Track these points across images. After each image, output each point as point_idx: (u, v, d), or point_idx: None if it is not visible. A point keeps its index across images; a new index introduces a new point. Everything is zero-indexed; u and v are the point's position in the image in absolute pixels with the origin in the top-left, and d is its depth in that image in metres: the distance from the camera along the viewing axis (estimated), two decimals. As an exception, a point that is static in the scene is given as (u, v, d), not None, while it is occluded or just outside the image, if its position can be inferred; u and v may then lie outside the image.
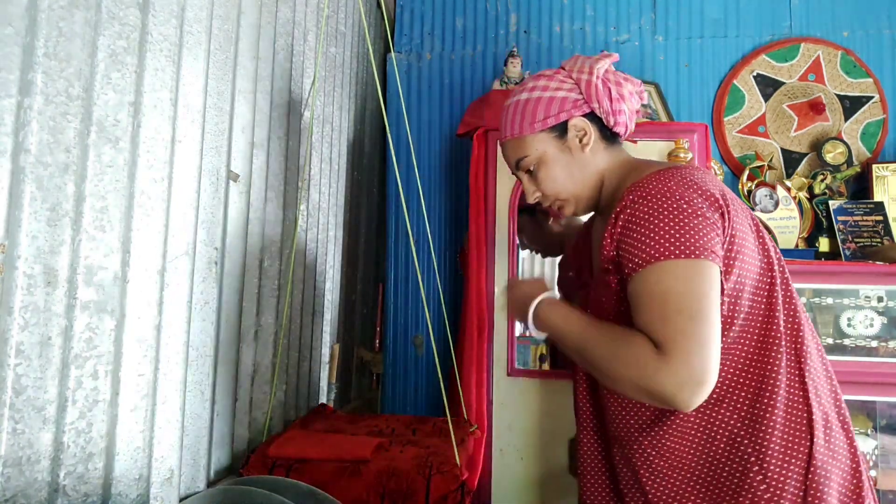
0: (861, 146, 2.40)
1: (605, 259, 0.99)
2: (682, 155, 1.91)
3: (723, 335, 0.92)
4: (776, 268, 0.99)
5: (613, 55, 1.11)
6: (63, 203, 0.79)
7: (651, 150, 1.97)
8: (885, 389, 1.91)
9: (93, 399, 0.84)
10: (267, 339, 1.44)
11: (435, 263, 2.38)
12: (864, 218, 2.15)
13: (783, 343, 0.96)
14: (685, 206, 0.90)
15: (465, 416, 1.74)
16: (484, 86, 2.58)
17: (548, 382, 1.92)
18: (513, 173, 1.15)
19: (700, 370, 0.84)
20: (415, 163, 2.18)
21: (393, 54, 2.63)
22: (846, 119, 2.42)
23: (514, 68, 2.29)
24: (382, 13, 2.56)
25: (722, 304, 0.92)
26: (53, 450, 0.79)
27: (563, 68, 1.13)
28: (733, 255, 0.93)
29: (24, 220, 0.74)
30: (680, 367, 0.84)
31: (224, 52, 1.20)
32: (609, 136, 1.10)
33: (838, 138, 2.36)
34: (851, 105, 2.43)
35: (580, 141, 1.07)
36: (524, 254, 2.09)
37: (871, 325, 1.96)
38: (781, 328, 0.97)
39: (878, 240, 2.10)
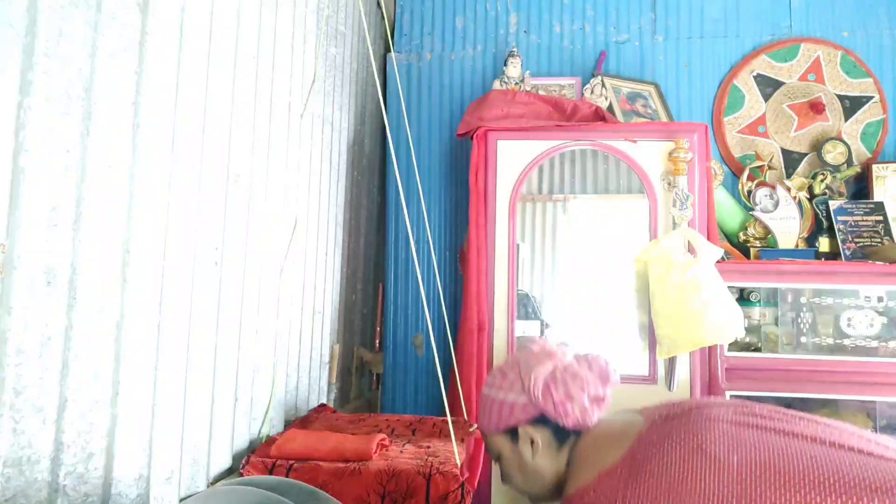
0: (861, 146, 2.40)
1: None
2: (681, 155, 1.91)
3: None
4: None
5: (554, 353, 1.11)
6: (63, 203, 0.79)
7: (651, 150, 1.97)
8: (885, 389, 1.90)
9: (93, 399, 0.84)
10: (267, 339, 1.44)
11: (435, 263, 2.38)
12: (864, 218, 2.15)
13: None
14: None
15: (465, 416, 1.74)
16: (484, 86, 2.58)
17: (548, 382, 1.92)
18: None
19: None
20: (415, 163, 2.18)
21: (393, 54, 2.63)
22: (846, 119, 2.42)
23: (514, 68, 2.29)
24: (382, 13, 2.56)
25: None
26: (53, 450, 0.79)
27: (519, 361, 1.13)
28: None
29: (24, 220, 0.74)
30: None
31: (224, 52, 1.20)
32: (563, 435, 1.09)
33: (838, 138, 2.36)
34: (851, 105, 2.43)
35: (530, 447, 1.09)
36: (524, 254, 2.09)
37: (871, 325, 1.96)
38: None
39: (878, 240, 2.10)
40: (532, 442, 1.08)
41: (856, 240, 2.11)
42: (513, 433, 1.10)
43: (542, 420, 1.08)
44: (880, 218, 2.14)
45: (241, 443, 1.33)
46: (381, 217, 2.67)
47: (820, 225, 2.23)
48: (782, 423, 0.92)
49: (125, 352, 0.89)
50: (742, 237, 2.27)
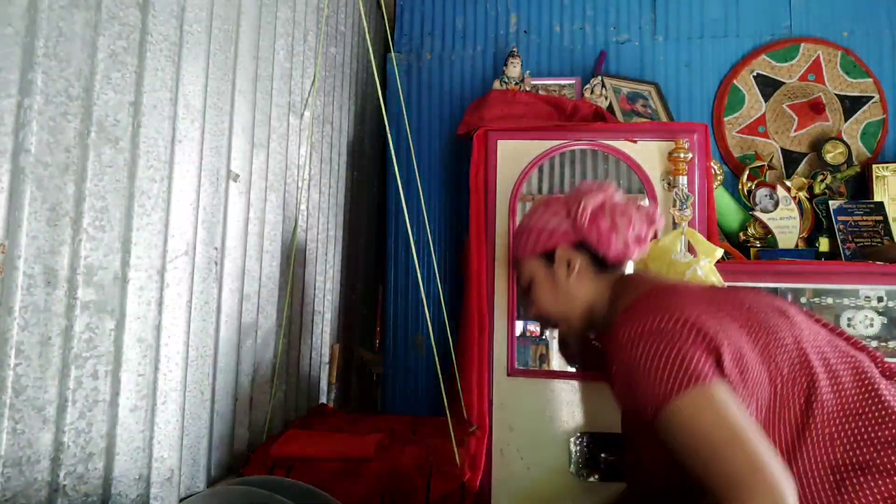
0: (861, 146, 2.40)
1: (621, 399, 1.01)
2: (681, 155, 1.91)
3: None
4: (786, 368, 0.93)
5: (609, 186, 1.14)
6: (63, 203, 0.79)
7: (651, 150, 1.97)
8: (885, 389, 1.90)
9: (93, 399, 0.84)
10: (267, 339, 1.44)
11: (435, 263, 2.38)
12: (864, 218, 2.15)
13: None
14: (664, 341, 0.88)
15: (466, 416, 1.74)
16: (484, 86, 2.57)
17: (548, 382, 1.92)
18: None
19: (769, 494, 0.78)
20: (415, 163, 2.18)
21: (393, 54, 2.63)
22: (846, 119, 2.42)
23: (514, 68, 2.29)
24: (382, 13, 2.56)
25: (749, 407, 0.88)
26: (53, 450, 0.79)
27: (568, 194, 1.17)
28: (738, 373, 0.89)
29: (24, 220, 0.74)
30: (758, 501, 0.77)
31: (224, 52, 1.19)
32: (601, 264, 1.12)
33: (838, 138, 2.36)
34: (851, 105, 2.43)
35: (566, 269, 1.12)
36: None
37: (871, 325, 1.96)
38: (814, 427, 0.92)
39: (878, 240, 2.10)
40: (569, 263, 1.12)
41: (856, 240, 2.11)
42: (549, 256, 1.14)
43: (581, 246, 1.12)
44: (880, 218, 2.14)
45: (241, 443, 1.32)
46: (381, 217, 2.67)
47: (820, 225, 2.23)
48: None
49: (125, 352, 0.89)
50: (742, 237, 2.27)
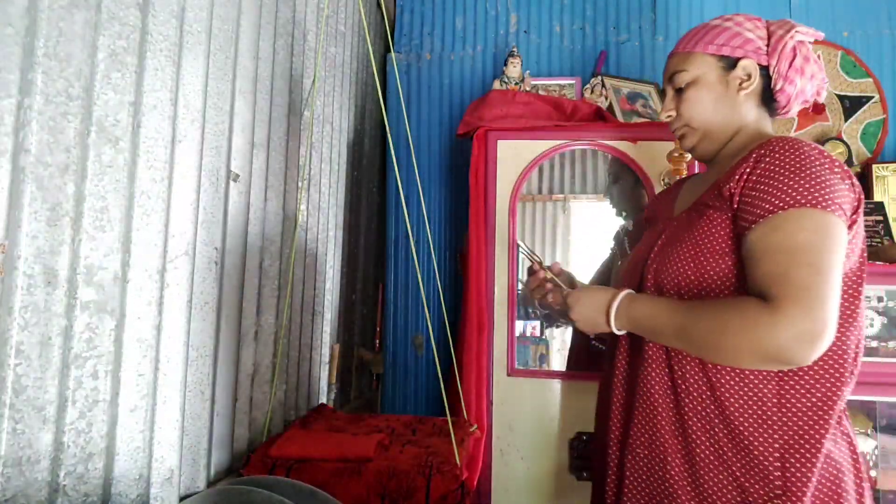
0: (861, 146, 2.40)
1: (713, 196, 0.99)
2: (682, 155, 1.91)
3: None
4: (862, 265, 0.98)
5: (819, 33, 1.08)
6: (63, 203, 0.79)
7: (651, 150, 1.97)
8: (885, 389, 1.90)
9: (93, 399, 0.84)
10: (267, 339, 1.44)
11: (435, 263, 2.38)
12: (865, 218, 2.15)
13: (854, 332, 0.95)
14: (823, 161, 0.91)
15: (465, 416, 1.74)
16: (484, 86, 2.57)
17: (548, 382, 1.92)
18: (661, 89, 1.16)
19: (820, 322, 0.83)
20: (415, 163, 2.18)
21: (393, 54, 2.63)
22: (846, 119, 2.42)
23: (514, 68, 2.29)
24: (382, 13, 2.56)
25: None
26: (53, 450, 0.79)
27: (770, 21, 1.11)
28: (852, 233, 0.93)
29: (24, 220, 0.74)
30: (798, 320, 0.82)
31: (224, 52, 1.20)
32: (768, 97, 1.08)
33: (838, 138, 2.36)
34: (851, 105, 2.43)
35: (741, 83, 1.07)
36: (523, 253, 2.09)
37: (871, 325, 1.95)
38: (859, 318, 0.95)
39: (878, 240, 2.10)
40: (748, 79, 1.07)
41: (856, 240, 2.11)
42: (730, 62, 1.07)
43: (763, 70, 1.07)
44: (880, 218, 2.14)
45: (241, 443, 1.33)
46: (381, 217, 2.67)
47: (820, 225, 2.23)
48: None
49: (125, 352, 0.89)
50: (742, 237, 2.27)
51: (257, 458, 1.21)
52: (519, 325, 2.00)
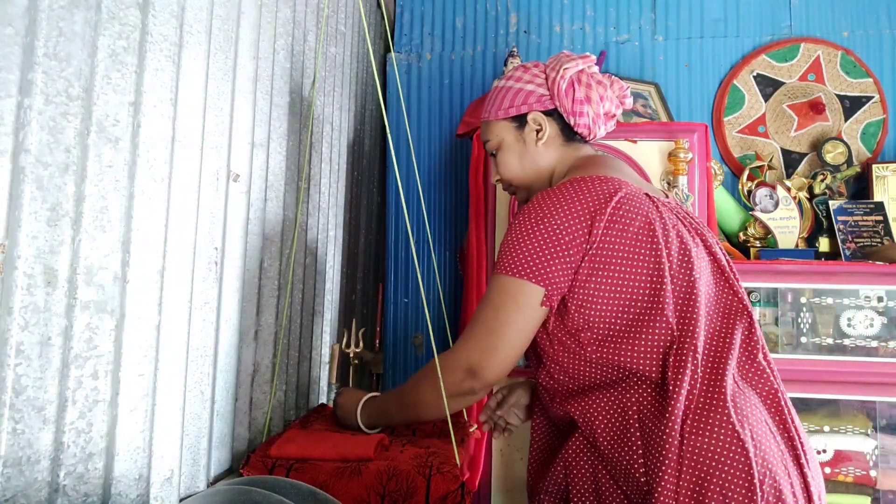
0: (861, 146, 2.40)
1: None
2: (681, 155, 1.91)
3: (581, 339, 1.01)
4: (668, 272, 1.00)
5: (589, 57, 1.15)
6: (63, 203, 0.79)
7: (651, 150, 1.97)
8: (885, 389, 1.90)
9: (93, 399, 0.84)
10: (267, 339, 1.44)
11: (435, 263, 2.38)
12: (864, 218, 2.15)
13: (672, 343, 0.99)
14: (545, 231, 1.00)
15: (465, 416, 1.74)
16: (484, 86, 2.58)
17: (548, 382, 1.92)
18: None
19: (478, 359, 1.00)
20: (415, 163, 2.18)
21: (393, 54, 2.63)
22: (846, 119, 2.42)
23: (514, 68, 2.29)
24: (382, 13, 2.56)
25: (566, 315, 1.02)
26: (53, 450, 0.79)
27: (546, 63, 1.19)
28: (595, 266, 0.99)
29: (24, 220, 0.74)
30: (466, 341, 1.03)
31: (224, 52, 1.19)
32: (570, 134, 1.15)
33: (838, 138, 2.36)
34: (851, 105, 2.43)
35: (537, 133, 1.14)
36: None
37: (871, 325, 1.96)
38: (670, 327, 0.99)
39: (878, 240, 2.10)
40: (539, 129, 1.14)
41: (856, 240, 2.11)
42: (521, 120, 1.16)
43: (553, 113, 1.15)
44: (880, 218, 2.14)
45: (241, 443, 1.33)
46: (381, 217, 2.67)
47: (820, 225, 2.23)
48: None
49: (125, 352, 0.89)
50: (742, 237, 2.27)
51: (257, 458, 1.21)
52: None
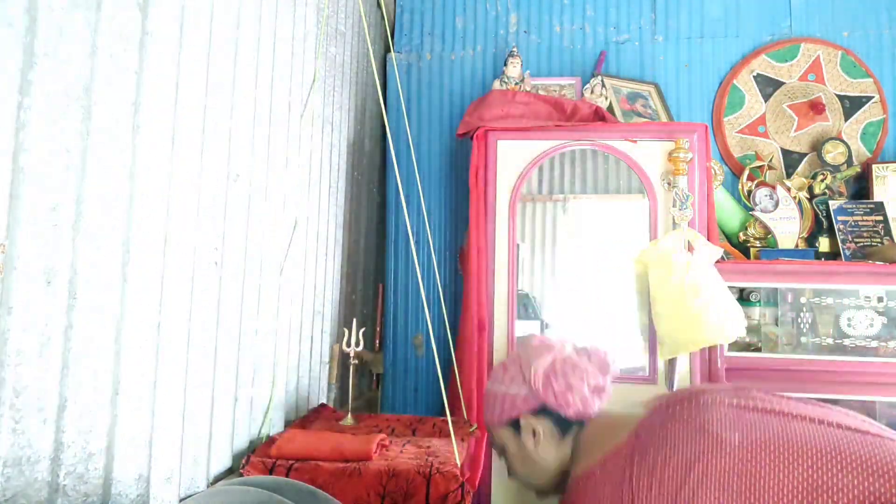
0: (861, 146, 2.40)
1: None
2: (681, 155, 1.91)
3: None
4: None
5: (556, 344, 1.15)
6: (63, 203, 0.79)
7: (651, 149, 1.98)
8: (885, 389, 1.91)
9: (93, 399, 0.84)
10: (267, 339, 1.44)
11: (435, 263, 2.38)
12: (864, 218, 2.15)
13: None
14: None
15: (465, 416, 1.74)
16: (484, 86, 2.58)
17: (548, 382, 1.92)
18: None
19: None
20: (415, 163, 2.18)
21: (393, 54, 2.63)
22: (846, 119, 2.42)
23: (514, 68, 2.29)
24: (382, 13, 2.56)
25: None
26: (53, 450, 0.79)
27: (521, 355, 1.16)
28: None
29: (24, 220, 0.74)
30: None
31: (224, 52, 1.20)
32: (565, 424, 1.11)
33: (838, 138, 2.36)
34: (851, 105, 2.43)
35: (533, 436, 1.11)
36: (524, 254, 2.09)
37: (872, 325, 1.96)
38: None
39: (878, 240, 2.10)
40: (534, 433, 1.11)
41: (856, 240, 2.11)
42: (515, 425, 1.13)
43: (543, 411, 1.11)
44: (880, 218, 2.14)
45: (241, 443, 1.33)
46: (381, 217, 2.67)
47: (820, 225, 2.23)
48: (780, 405, 0.95)
49: (125, 352, 0.89)
50: (742, 237, 2.27)
51: (257, 458, 1.21)
52: (519, 326, 2.00)
